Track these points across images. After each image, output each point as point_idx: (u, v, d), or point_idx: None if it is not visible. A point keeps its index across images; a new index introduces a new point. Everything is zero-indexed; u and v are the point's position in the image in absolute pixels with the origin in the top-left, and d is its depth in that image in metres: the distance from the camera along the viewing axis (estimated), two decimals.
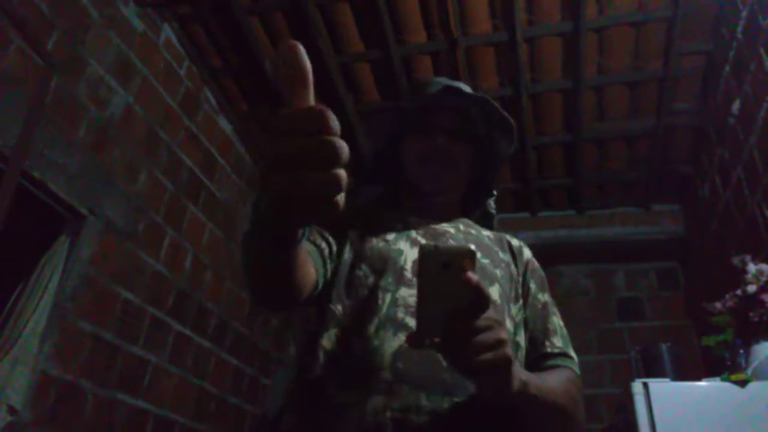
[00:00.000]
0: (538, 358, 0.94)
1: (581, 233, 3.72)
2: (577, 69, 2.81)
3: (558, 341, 0.96)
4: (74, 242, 2.21)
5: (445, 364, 0.76)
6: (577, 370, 0.94)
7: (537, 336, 0.97)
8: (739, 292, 1.94)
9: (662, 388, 1.79)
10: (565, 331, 1.00)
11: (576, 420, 0.85)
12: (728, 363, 1.93)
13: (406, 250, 0.92)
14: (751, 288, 1.89)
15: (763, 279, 1.89)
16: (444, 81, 1.07)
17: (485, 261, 0.95)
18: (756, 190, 2.38)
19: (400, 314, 0.83)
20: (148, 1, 2.63)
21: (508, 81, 2.97)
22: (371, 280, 0.89)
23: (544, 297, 1.02)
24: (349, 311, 0.87)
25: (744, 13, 2.38)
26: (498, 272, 0.94)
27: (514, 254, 1.04)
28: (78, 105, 2.24)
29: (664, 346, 2.20)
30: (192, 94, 2.99)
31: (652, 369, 2.13)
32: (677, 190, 3.50)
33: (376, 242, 0.93)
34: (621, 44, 2.74)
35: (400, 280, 0.88)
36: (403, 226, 0.98)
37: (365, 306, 0.86)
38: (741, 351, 1.89)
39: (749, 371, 1.80)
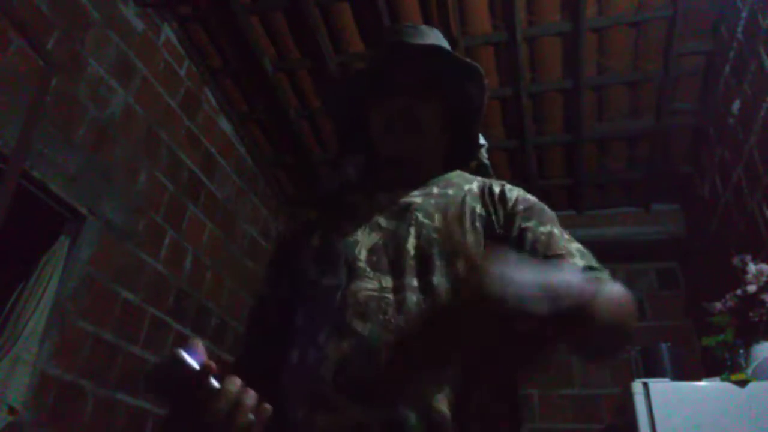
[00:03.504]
0: None
1: (581, 233, 3.69)
2: (577, 69, 2.81)
3: (579, 261, 0.82)
4: (74, 242, 2.21)
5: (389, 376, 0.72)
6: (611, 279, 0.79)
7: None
8: (739, 292, 1.94)
9: (662, 388, 1.79)
10: (585, 249, 0.86)
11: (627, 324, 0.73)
12: (728, 363, 1.93)
13: (363, 238, 0.87)
14: (751, 288, 1.89)
15: (763, 279, 1.89)
16: (402, 29, 0.98)
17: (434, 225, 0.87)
18: (756, 190, 2.38)
19: (347, 317, 0.78)
20: (148, 1, 2.63)
21: (508, 81, 2.97)
22: (323, 281, 0.85)
23: (546, 228, 0.88)
24: (307, 321, 0.84)
25: (744, 13, 2.38)
26: (466, 240, 0.84)
27: (494, 202, 0.92)
28: (78, 105, 2.24)
29: (664, 346, 2.20)
30: (192, 94, 2.99)
31: (652, 369, 2.13)
32: (677, 190, 3.50)
33: (332, 239, 0.89)
34: (621, 44, 2.74)
35: (352, 274, 0.82)
36: (368, 209, 0.92)
37: (317, 312, 0.83)
38: (741, 351, 1.89)
39: (749, 371, 1.80)
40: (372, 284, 0.80)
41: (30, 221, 2.19)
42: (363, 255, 0.84)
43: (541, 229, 0.87)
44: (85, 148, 2.27)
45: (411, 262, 0.82)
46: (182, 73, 2.92)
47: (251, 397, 0.61)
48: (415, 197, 0.92)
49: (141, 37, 2.62)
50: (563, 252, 0.83)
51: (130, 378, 2.45)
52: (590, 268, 0.81)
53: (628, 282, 3.67)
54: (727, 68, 2.60)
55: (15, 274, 2.10)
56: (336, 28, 2.78)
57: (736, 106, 2.55)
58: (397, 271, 0.81)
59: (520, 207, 0.91)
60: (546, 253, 0.82)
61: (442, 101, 0.99)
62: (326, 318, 0.80)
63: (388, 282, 0.80)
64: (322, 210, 0.98)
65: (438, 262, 0.81)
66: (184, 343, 0.60)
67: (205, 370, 0.59)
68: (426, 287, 0.79)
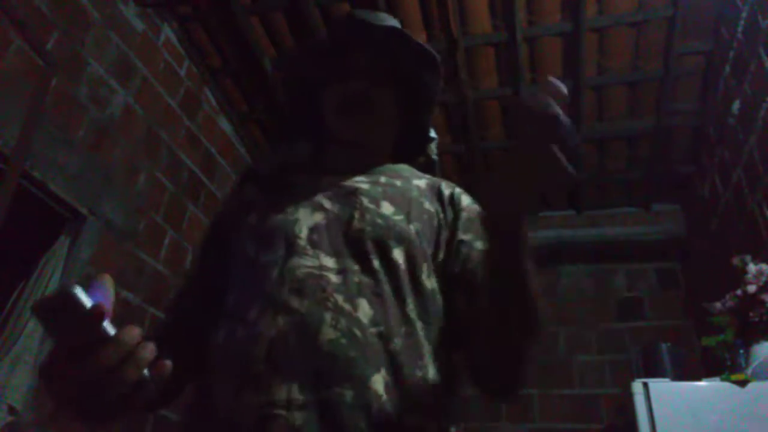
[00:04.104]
0: None
1: (581, 233, 3.71)
2: (577, 69, 2.81)
3: None
4: (74, 242, 2.21)
5: (325, 349, 0.69)
6: None
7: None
8: (739, 292, 1.94)
9: (662, 388, 1.79)
10: None
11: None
12: (728, 363, 1.93)
13: (304, 217, 0.83)
14: (751, 288, 1.89)
15: (763, 279, 1.89)
16: (362, 12, 0.96)
17: (397, 218, 0.84)
18: (756, 190, 2.38)
19: (284, 293, 0.74)
20: (148, 1, 2.64)
21: (508, 81, 2.97)
22: (261, 258, 0.80)
23: (483, 246, 0.87)
24: (239, 298, 0.79)
25: (744, 13, 2.38)
26: (412, 228, 0.83)
27: (443, 203, 0.92)
28: (78, 105, 2.24)
29: (664, 346, 2.20)
30: (192, 94, 2.99)
31: (652, 369, 2.13)
32: (677, 190, 3.50)
33: (273, 216, 0.85)
34: (621, 44, 2.74)
35: (291, 251, 0.79)
36: (312, 189, 0.89)
37: (251, 288, 0.78)
38: (741, 351, 1.89)
39: (749, 371, 1.80)
40: (312, 261, 0.77)
41: (30, 221, 2.19)
42: (304, 233, 0.81)
43: (478, 245, 0.85)
44: (85, 148, 2.27)
45: (354, 244, 0.80)
46: (182, 73, 2.92)
47: (149, 350, 0.55)
48: (362, 183, 0.90)
49: (141, 37, 2.63)
50: None
51: None
52: None
53: (628, 282, 3.68)
54: (727, 68, 2.60)
55: (15, 274, 2.10)
56: None
57: (736, 106, 2.55)
58: (338, 251, 0.79)
59: (464, 215, 0.90)
60: (474, 271, 0.82)
61: (397, 88, 0.97)
62: (260, 295, 0.76)
63: (328, 261, 0.78)
64: (263, 188, 0.94)
65: (381, 246, 0.80)
66: (91, 277, 0.55)
67: (98, 312, 0.52)
68: (367, 268, 0.78)
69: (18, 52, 1.99)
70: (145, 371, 0.54)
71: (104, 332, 0.53)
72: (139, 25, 2.62)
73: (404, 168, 0.99)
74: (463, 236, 0.87)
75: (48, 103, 2.08)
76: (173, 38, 2.85)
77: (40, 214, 2.18)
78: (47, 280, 2.07)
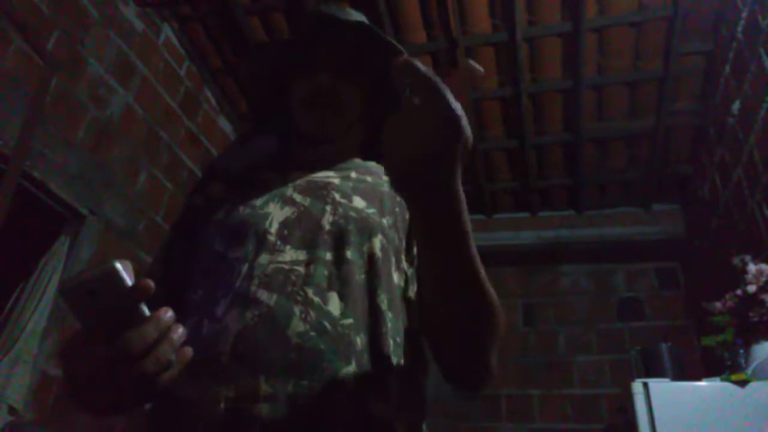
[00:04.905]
0: None
1: (581, 233, 3.72)
2: (577, 69, 2.81)
3: None
4: (74, 242, 2.21)
5: (294, 342, 0.68)
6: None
7: None
8: (739, 292, 1.94)
9: (662, 388, 1.79)
10: None
11: (494, 304, 0.68)
12: (728, 363, 1.93)
13: (274, 211, 0.82)
14: (751, 288, 1.89)
15: (763, 279, 1.89)
16: (330, 7, 0.94)
17: (370, 211, 0.84)
18: (756, 190, 2.38)
19: (253, 288, 0.73)
20: (148, 1, 2.64)
21: (508, 81, 2.97)
22: (230, 253, 0.79)
23: None
24: (206, 294, 0.78)
25: (744, 13, 2.38)
26: (384, 221, 0.83)
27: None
28: (78, 105, 2.24)
29: (664, 346, 2.20)
30: (192, 94, 2.99)
31: (652, 369, 2.13)
32: (677, 190, 3.50)
33: (242, 211, 0.84)
34: (621, 44, 2.74)
35: (260, 246, 0.78)
36: (281, 184, 0.88)
37: (219, 284, 0.77)
38: (741, 351, 1.89)
39: (749, 371, 1.80)
40: (282, 257, 0.77)
41: (30, 221, 2.19)
42: (274, 228, 0.80)
43: None
44: (85, 148, 2.27)
45: (326, 237, 0.79)
46: (182, 73, 2.92)
47: (179, 334, 0.55)
48: (332, 178, 0.89)
49: (141, 37, 2.63)
50: None
51: None
52: None
53: (628, 282, 3.68)
54: (727, 68, 2.60)
55: (15, 274, 2.11)
56: None
57: (736, 106, 2.55)
58: (310, 244, 0.78)
59: None
60: None
61: (364, 82, 0.96)
62: (228, 290, 0.75)
63: (299, 255, 0.77)
64: (230, 183, 0.93)
65: (354, 238, 0.79)
66: (118, 259, 0.53)
67: (142, 287, 0.53)
68: (339, 261, 0.77)
69: (18, 52, 1.99)
70: (173, 355, 0.54)
71: (142, 311, 0.53)
72: (139, 25, 2.62)
73: (374, 164, 0.98)
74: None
75: (48, 103, 2.08)
76: (173, 38, 2.85)
77: (39, 214, 2.18)
78: (47, 280, 2.07)
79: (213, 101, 3.18)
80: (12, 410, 1.88)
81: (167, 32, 2.81)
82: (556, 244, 3.71)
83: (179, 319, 0.76)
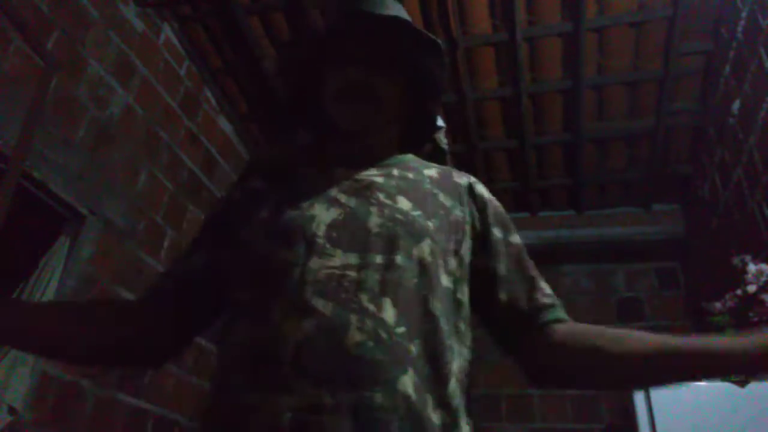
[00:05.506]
0: (531, 313, 0.85)
1: (581, 233, 3.72)
2: (577, 69, 2.81)
3: (547, 289, 0.88)
4: (74, 242, 2.21)
5: (353, 353, 0.68)
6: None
7: (519, 287, 0.86)
8: (739, 292, 1.94)
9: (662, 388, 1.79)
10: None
11: None
12: None
13: (321, 213, 0.81)
14: (751, 288, 1.89)
15: (763, 279, 1.89)
16: (361, 3, 0.93)
17: (416, 213, 0.83)
18: (756, 190, 2.38)
19: (307, 294, 0.73)
20: (148, 1, 2.64)
21: (508, 81, 2.97)
22: (280, 255, 0.78)
23: (516, 240, 0.91)
24: (257, 297, 0.77)
25: (744, 13, 2.38)
26: (430, 224, 0.82)
27: (461, 194, 0.91)
28: (78, 105, 2.24)
29: None
30: (192, 94, 3.00)
31: None
32: (677, 190, 3.50)
33: (287, 211, 0.82)
34: (621, 44, 2.74)
35: (310, 250, 0.77)
36: (324, 183, 0.87)
37: (272, 288, 0.76)
38: None
39: None
40: (333, 261, 0.76)
41: (30, 221, 2.19)
42: (322, 230, 0.79)
43: (511, 240, 0.91)
44: (85, 148, 2.27)
45: (374, 239, 0.78)
46: (182, 73, 2.92)
47: None
48: (375, 176, 0.88)
49: (141, 37, 2.63)
50: (534, 275, 0.89)
51: (130, 378, 2.45)
52: (557, 306, 0.87)
53: (628, 282, 3.68)
54: (727, 68, 2.60)
55: (15, 274, 2.10)
56: None
57: (736, 106, 2.55)
58: (359, 248, 0.77)
59: (491, 211, 0.92)
60: (521, 272, 0.88)
61: (400, 75, 0.94)
62: (280, 295, 0.74)
63: (349, 259, 0.76)
64: (270, 181, 0.92)
65: (402, 242, 0.78)
66: None
67: None
68: (390, 265, 0.76)
69: (18, 52, 1.99)
70: None
71: None
72: (139, 25, 2.62)
73: (411, 158, 0.97)
74: (495, 231, 0.90)
75: (48, 103, 2.07)
76: (173, 38, 2.85)
77: (40, 214, 2.18)
78: (47, 280, 2.07)
79: (213, 101, 3.18)
80: (12, 410, 1.88)
81: (167, 32, 2.81)
82: (556, 244, 3.71)
83: (227, 314, 0.81)
